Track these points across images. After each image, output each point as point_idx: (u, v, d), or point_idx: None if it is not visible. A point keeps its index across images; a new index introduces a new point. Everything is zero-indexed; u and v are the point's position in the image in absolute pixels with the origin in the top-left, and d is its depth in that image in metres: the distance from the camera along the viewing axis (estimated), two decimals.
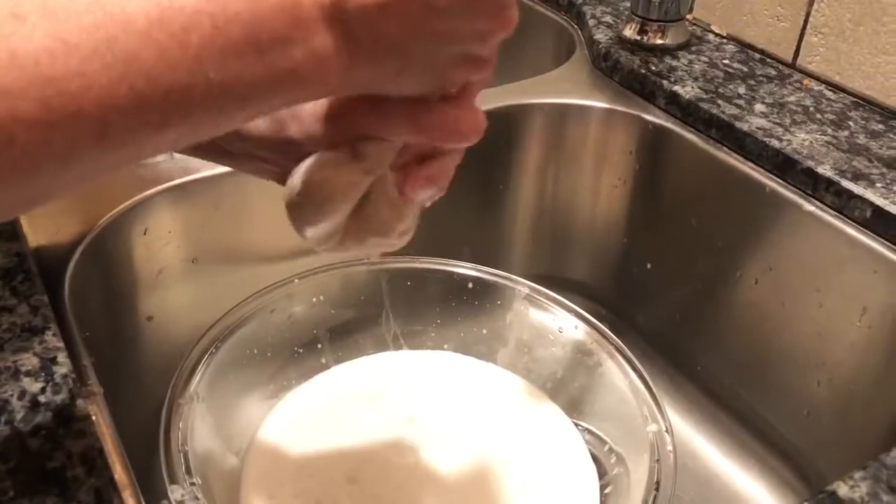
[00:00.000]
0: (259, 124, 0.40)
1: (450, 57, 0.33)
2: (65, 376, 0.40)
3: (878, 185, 0.58)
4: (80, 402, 0.39)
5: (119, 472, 0.38)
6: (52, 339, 0.42)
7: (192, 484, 0.44)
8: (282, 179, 0.43)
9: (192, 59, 0.27)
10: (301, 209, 0.39)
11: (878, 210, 0.57)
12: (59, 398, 0.39)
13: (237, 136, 0.41)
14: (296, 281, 0.59)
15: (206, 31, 0.27)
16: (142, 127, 0.28)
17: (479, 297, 0.62)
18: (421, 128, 0.35)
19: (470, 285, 0.62)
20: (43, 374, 0.40)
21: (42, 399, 0.39)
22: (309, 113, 0.38)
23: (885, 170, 0.60)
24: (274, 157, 0.41)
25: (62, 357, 0.41)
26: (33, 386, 0.39)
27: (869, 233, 0.57)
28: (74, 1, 0.26)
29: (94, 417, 0.39)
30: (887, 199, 0.57)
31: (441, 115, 0.35)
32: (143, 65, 0.26)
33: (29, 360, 0.41)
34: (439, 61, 0.32)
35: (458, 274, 0.62)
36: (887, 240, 0.56)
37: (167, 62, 0.27)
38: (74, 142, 0.26)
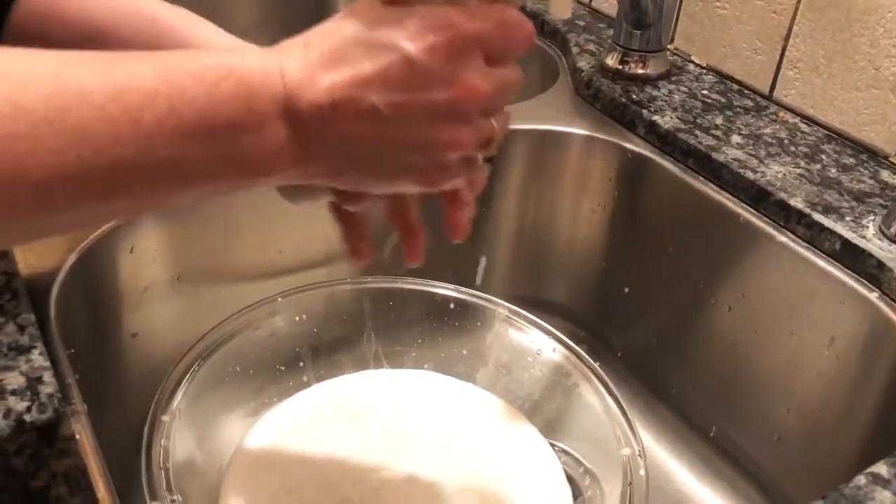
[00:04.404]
0: None
1: (400, 165, 0.32)
2: (50, 395, 0.41)
3: (848, 218, 0.60)
4: (65, 421, 0.39)
5: (101, 491, 0.39)
6: (39, 358, 0.43)
7: (173, 501, 0.45)
8: None
9: (143, 136, 0.28)
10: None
11: (846, 243, 0.58)
12: (44, 417, 0.39)
13: None
14: (279, 299, 0.60)
15: (161, 111, 0.28)
16: (84, 196, 0.28)
17: (460, 318, 0.63)
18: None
19: (451, 306, 0.63)
20: (29, 393, 0.41)
21: (27, 418, 0.39)
22: None
23: (854, 203, 0.62)
24: None
25: (48, 376, 0.42)
26: (19, 405, 0.40)
27: (838, 265, 0.59)
28: (34, 72, 0.27)
29: (77, 437, 0.40)
30: (855, 232, 0.59)
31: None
32: (92, 136, 0.27)
33: (15, 379, 0.41)
34: (388, 167, 0.32)
35: (440, 295, 0.63)
36: (855, 272, 0.58)
37: (117, 136, 0.27)
38: (14, 202, 0.27)
